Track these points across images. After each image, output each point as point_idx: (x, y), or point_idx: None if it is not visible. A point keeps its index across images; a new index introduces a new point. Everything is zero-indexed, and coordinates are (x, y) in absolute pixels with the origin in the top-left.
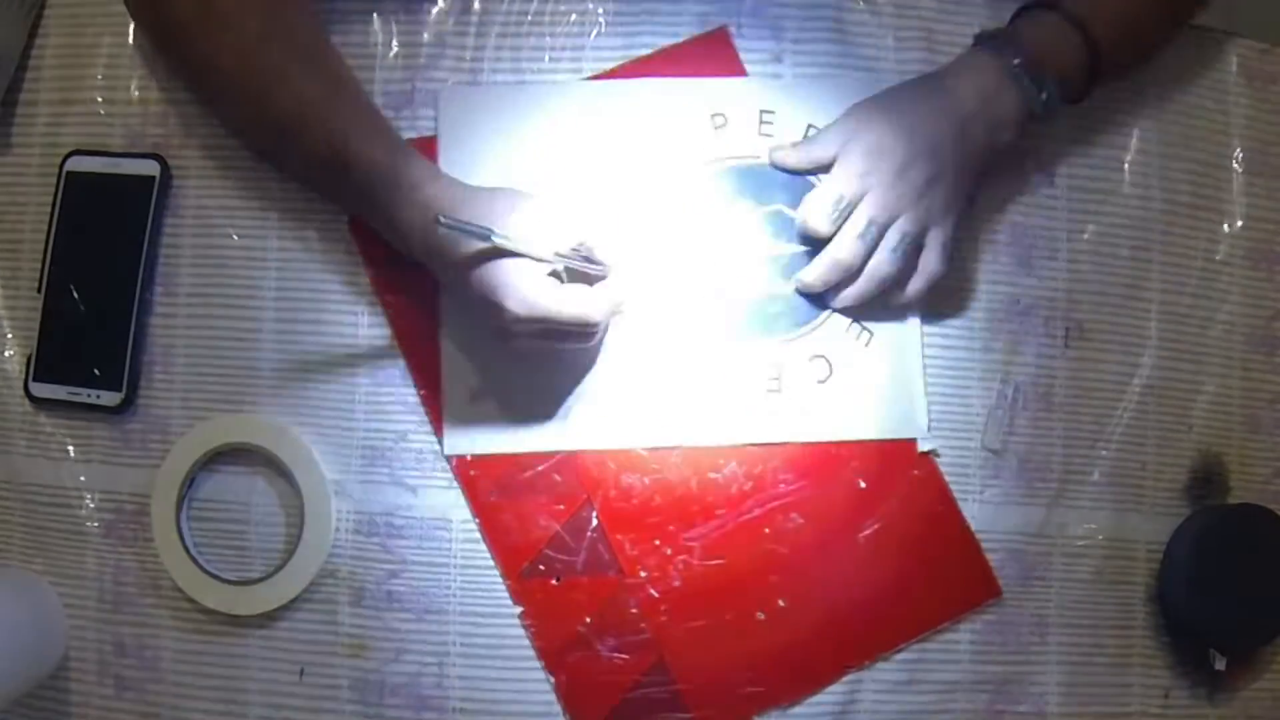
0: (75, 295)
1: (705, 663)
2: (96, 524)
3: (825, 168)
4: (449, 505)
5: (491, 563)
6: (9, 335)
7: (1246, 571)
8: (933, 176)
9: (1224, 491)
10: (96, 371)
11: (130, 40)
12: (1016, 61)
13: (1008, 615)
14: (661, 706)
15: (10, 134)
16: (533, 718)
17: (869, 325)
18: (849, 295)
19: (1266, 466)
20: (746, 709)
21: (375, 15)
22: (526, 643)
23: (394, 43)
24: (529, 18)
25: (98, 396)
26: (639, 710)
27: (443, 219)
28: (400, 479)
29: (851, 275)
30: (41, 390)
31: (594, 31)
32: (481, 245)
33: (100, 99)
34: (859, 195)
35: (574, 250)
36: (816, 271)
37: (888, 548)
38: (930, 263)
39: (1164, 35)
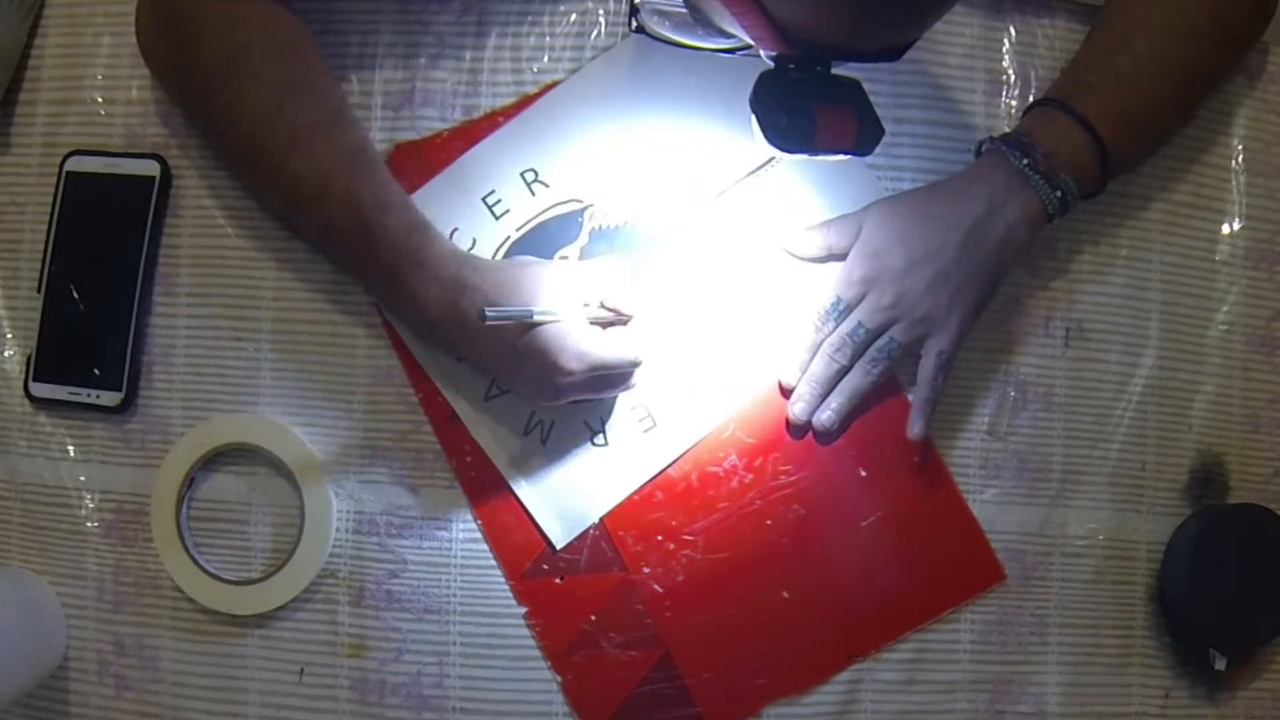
0: (75, 295)
1: (711, 656)
2: (96, 524)
3: (839, 256)
4: (449, 505)
5: (492, 562)
6: (9, 335)
7: (1246, 571)
8: (935, 283)
9: (1224, 491)
10: (96, 371)
11: (130, 40)
12: (1026, 163)
13: (1008, 615)
14: (669, 702)
15: (10, 134)
16: (533, 718)
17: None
18: (825, 418)
19: (1266, 466)
20: (754, 702)
21: (375, 15)
22: (527, 643)
23: (394, 43)
24: (529, 18)
25: (98, 396)
26: (646, 705)
27: (489, 312)
28: (400, 479)
29: (829, 388)
30: (41, 390)
31: (594, 31)
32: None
33: (100, 99)
34: (857, 299)
35: (600, 306)
36: (811, 371)
37: (890, 536)
38: (925, 370)
39: (1174, 128)
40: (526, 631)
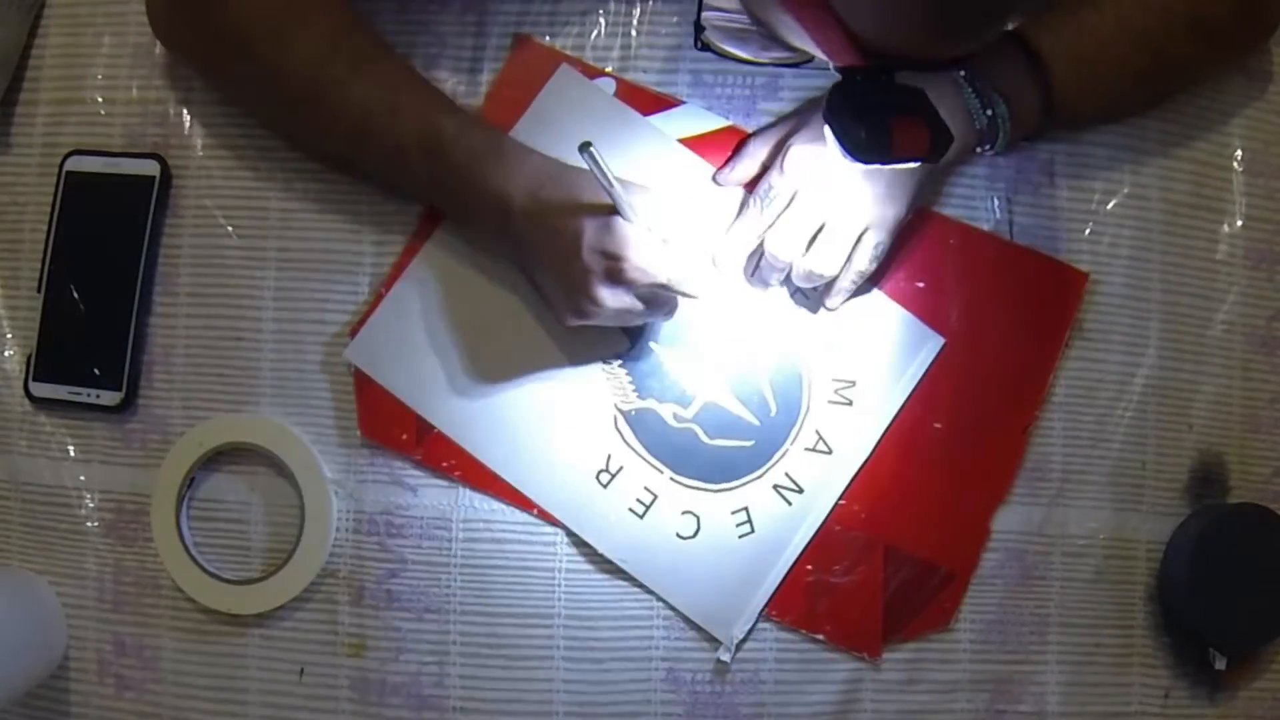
0: (75, 295)
1: (919, 517)
2: (96, 524)
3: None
4: (449, 505)
5: (492, 562)
6: (9, 335)
7: (1246, 571)
8: (866, 180)
9: (1224, 491)
10: (96, 371)
11: (130, 40)
12: (963, 74)
13: (1008, 615)
14: (918, 582)
15: (10, 134)
16: (533, 717)
17: (755, 520)
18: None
19: (1266, 466)
20: (980, 531)
21: (375, 15)
22: (527, 642)
23: (394, 43)
24: (529, 18)
25: (98, 396)
26: (905, 599)
27: (593, 148)
28: (400, 479)
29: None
30: (41, 390)
31: (594, 31)
32: (594, 209)
33: (100, 99)
34: (791, 194)
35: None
36: (751, 265)
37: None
38: (857, 260)
39: (1131, 100)
40: (526, 631)
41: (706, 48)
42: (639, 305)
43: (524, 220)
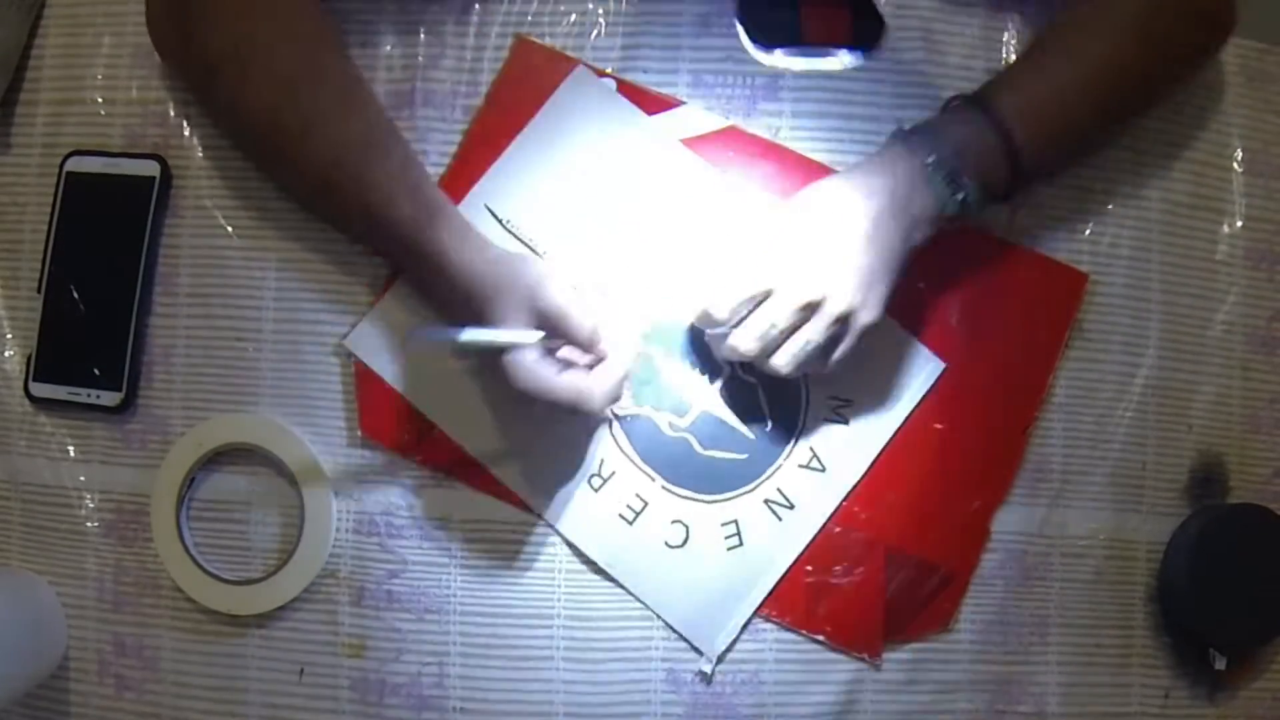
0: (75, 295)
1: (917, 519)
2: (96, 524)
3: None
4: (449, 506)
5: (492, 562)
6: (9, 335)
7: (1246, 571)
8: (846, 270)
9: (1224, 491)
10: (96, 371)
11: (130, 40)
12: (930, 160)
13: (1008, 615)
14: (917, 581)
15: (10, 134)
16: (533, 718)
17: (744, 533)
18: (781, 359)
19: (1266, 466)
20: (979, 530)
21: (375, 15)
22: (527, 642)
23: (394, 43)
24: (529, 18)
25: (98, 396)
26: (905, 599)
27: (409, 337)
28: (400, 479)
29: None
30: (41, 390)
31: (594, 31)
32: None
33: (100, 99)
34: (765, 292)
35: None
36: (719, 353)
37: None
38: (846, 341)
39: (1100, 140)
40: (526, 631)
41: None
42: (545, 413)
43: (457, 291)
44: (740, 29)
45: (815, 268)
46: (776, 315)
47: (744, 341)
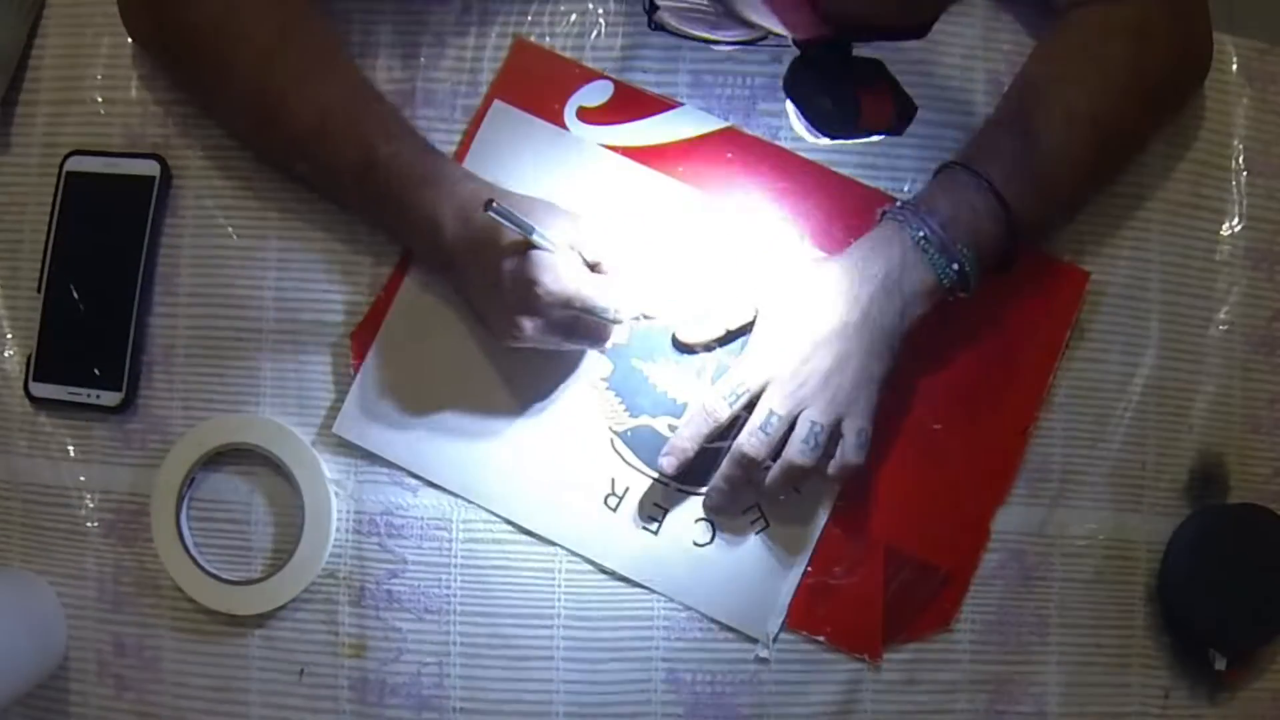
0: (75, 295)
1: (920, 518)
2: (96, 524)
3: (730, 338)
4: (449, 505)
5: (492, 562)
6: (9, 335)
7: (1246, 571)
8: (838, 363)
9: (1224, 491)
10: (96, 371)
11: (131, 40)
12: (922, 235)
13: (1008, 615)
14: (917, 583)
15: (10, 134)
16: (533, 718)
17: (769, 515)
18: (764, 488)
19: (1266, 466)
20: (978, 532)
21: (375, 15)
22: (527, 642)
23: (394, 43)
24: (529, 18)
25: (98, 396)
26: (904, 600)
27: (496, 205)
28: (400, 479)
29: (760, 470)
30: (41, 390)
31: (594, 32)
32: (517, 239)
33: (100, 99)
34: (761, 385)
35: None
36: (723, 471)
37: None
38: (846, 453)
39: (1091, 191)
40: (526, 631)
41: (660, 28)
42: (556, 334)
43: (453, 246)
44: (792, 112)
45: (797, 379)
46: (777, 404)
47: (747, 443)
